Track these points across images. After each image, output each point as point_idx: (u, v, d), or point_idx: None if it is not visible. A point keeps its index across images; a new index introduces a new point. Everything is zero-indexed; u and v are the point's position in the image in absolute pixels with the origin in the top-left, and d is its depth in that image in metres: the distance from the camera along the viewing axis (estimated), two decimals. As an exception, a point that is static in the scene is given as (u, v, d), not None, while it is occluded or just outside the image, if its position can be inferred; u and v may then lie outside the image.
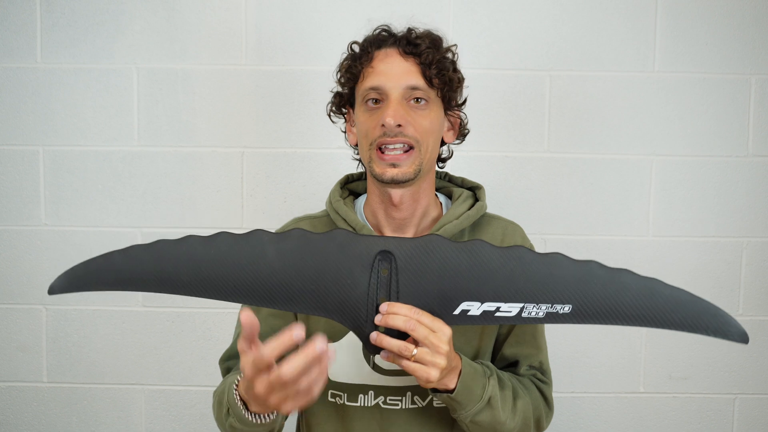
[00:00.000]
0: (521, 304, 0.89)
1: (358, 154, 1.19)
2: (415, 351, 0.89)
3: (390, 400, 1.09)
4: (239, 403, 0.93)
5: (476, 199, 1.16)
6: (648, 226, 1.76)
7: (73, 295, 1.75)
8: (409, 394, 1.09)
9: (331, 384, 1.11)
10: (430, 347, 0.89)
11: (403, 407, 1.09)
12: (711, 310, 0.89)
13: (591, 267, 0.89)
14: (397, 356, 0.90)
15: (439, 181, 1.22)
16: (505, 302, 0.89)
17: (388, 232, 1.13)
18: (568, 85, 1.74)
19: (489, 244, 0.91)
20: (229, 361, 1.18)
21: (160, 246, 0.92)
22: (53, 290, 0.95)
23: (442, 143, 1.16)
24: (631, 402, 1.79)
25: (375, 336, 0.90)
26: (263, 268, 0.90)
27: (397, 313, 0.89)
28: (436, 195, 1.18)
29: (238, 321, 1.19)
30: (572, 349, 1.76)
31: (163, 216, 1.76)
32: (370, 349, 0.92)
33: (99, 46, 1.74)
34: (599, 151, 1.75)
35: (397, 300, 0.91)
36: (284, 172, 1.76)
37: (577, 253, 1.74)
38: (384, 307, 0.90)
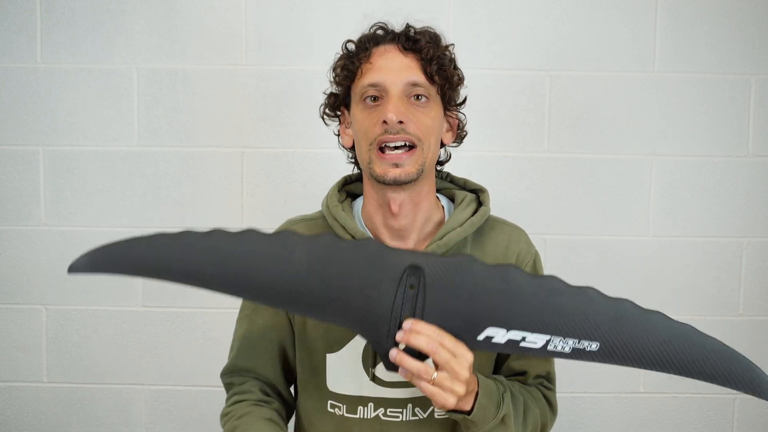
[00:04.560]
0: (548, 336, 0.86)
1: (352, 157, 1.16)
2: (435, 375, 0.87)
3: (390, 412, 1.07)
4: None
5: (479, 203, 1.13)
6: (648, 226, 1.76)
7: (73, 295, 1.77)
8: (409, 405, 1.07)
9: (330, 395, 1.09)
10: (450, 373, 0.87)
11: (404, 419, 1.07)
12: (744, 364, 0.85)
13: (624, 306, 0.87)
14: (415, 377, 0.88)
15: (440, 181, 1.18)
16: (532, 332, 0.87)
17: (386, 241, 1.09)
18: (568, 85, 1.74)
19: (522, 271, 0.88)
20: (233, 377, 1.15)
21: (187, 237, 0.90)
22: (74, 269, 0.92)
23: (441, 145, 1.12)
24: (631, 402, 1.79)
25: (395, 354, 0.87)
26: (289, 271, 0.89)
27: (420, 333, 0.86)
28: (438, 198, 1.15)
29: (235, 333, 1.17)
30: (572, 349, 1.76)
31: (163, 216, 1.76)
32: (388, 366, 0.90)
33: (99, 46, 1.73)
34: (599, 151, 1.75)
35: (422, 318, 0.88)
36: (284, 172, 1.76)
37: (578, 253, 1.74)
38: (407, 324, 0.87)
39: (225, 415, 1.10)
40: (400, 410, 1.07)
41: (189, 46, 1.73)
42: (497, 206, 1.19)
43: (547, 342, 0.87)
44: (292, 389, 1.19)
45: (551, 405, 1.13)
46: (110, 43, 1.73)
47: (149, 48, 1.73)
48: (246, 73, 1.74)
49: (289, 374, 1.17)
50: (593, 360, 0.87)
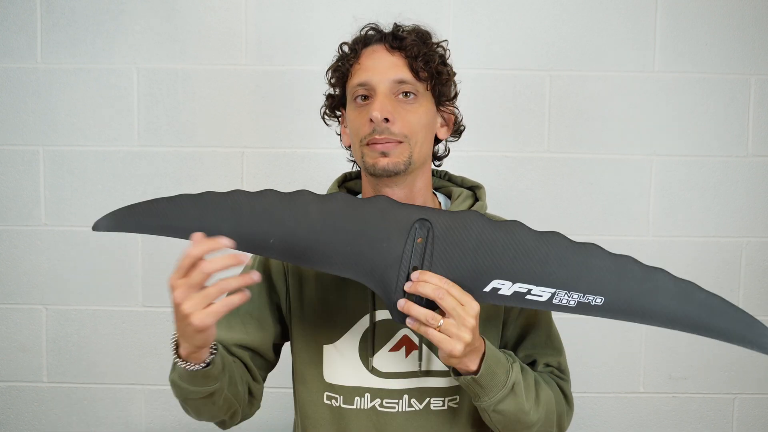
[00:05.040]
0: (553, 290, 0.89)
1: (353, 155, 1.17)
2: (441, 321, 0.89)
3: (386, 402, 1.08)
4: (173, 345, 0.97)
5: (476, 199, 1.14)
6: (648, 226, 1.76)
7: (73, 295, 1.76)
8: (406, 397, 1.08)
9: (326, 386, 1.10)
10: (457, 319, 0.88)
11: (400, 410, 1.08)
12: (746, 320, 0.87)
13: (627, 262, 0.91)
14: (422, 324, 0.90)
15: (438, 180, 1.20)
16: (538, 285, 0.90)
17: None
18: (568, 85, 1.74)
19: (527, 227, 0.92)
20: None
21: (207, 197, 0.95)
22: (98, 227, 0.99)
23: (437, 141, 1.14)
24: (631, 402, 1.79)
25: (403, 303, 0.90)
26: (303, 226, 0.93)
27: (427, 281, 0.89)
28: (435, 194, 1.16)
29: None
30: (572, 349, 1.74)
31: (163, 216, 1.76)
32: (396, 317, 0.92)
33: (99, 46, 1.74)
34: (599, 151, 1.75)
35: (430, 270, 0.91)
36: (284, 172, 1.76)
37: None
38: (416, 274, 0.90)
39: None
40: (396, 401, 1.08)
41: (189, 46, 1.73)
42: (497, 206, 1.19)
43: (553, 295, 0.89)
44: (291, 383, 1.18)
45: (566, 396, 1.11)
46: (110, 43, 1.74)
47: (149, 48, 1.73)
48: (246, 73, 1.74)
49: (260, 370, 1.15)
50: (599, 315, 0.89)
